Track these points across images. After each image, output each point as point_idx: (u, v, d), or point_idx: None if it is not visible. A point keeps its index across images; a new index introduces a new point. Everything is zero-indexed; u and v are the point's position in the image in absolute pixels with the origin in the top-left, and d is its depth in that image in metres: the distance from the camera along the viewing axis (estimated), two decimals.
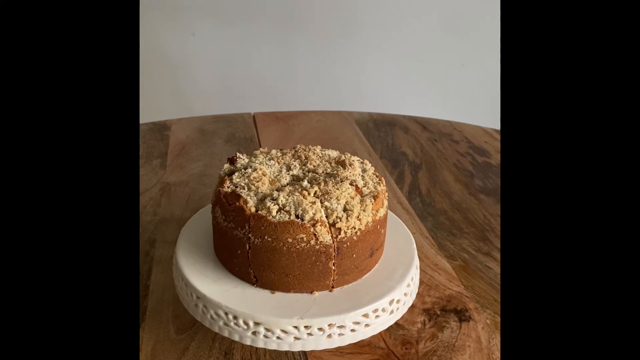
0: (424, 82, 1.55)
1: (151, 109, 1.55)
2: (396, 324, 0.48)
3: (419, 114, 1.00)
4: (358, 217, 0.41)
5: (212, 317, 0.41)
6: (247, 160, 0.48)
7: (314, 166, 0.47)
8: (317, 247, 0.40)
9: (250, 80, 1.55)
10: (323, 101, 1.53)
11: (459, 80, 1.52)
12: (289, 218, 0.40)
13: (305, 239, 0.40)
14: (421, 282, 0.54)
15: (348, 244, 0.41)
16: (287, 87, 1.57)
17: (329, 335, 0.40)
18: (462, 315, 0.50)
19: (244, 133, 0.89)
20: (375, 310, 0.41)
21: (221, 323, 0.41)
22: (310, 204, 0.41)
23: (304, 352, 0.45)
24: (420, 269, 0.56)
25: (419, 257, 0.58)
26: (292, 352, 0.45)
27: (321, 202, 0.42)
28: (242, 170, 0.46)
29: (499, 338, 0.48)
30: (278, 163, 0.47)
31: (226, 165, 0.47)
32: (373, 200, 0.43)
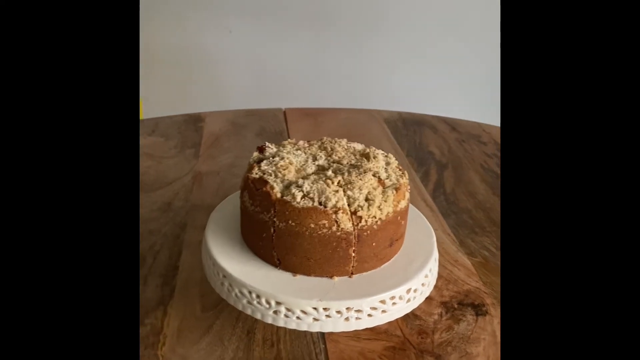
0: (456, 83, 1.55)
1: (188, 101, 1.59)
2: (413, 314, 0.50)
3: (450, 115, 1.01)
4: (379, 206, 0.43)
5: (236, 295, 0.43)
6: (275, 149, 0.50)
7: (339, 157, 0.49)
8: (338, 233, 0.42)
9: (283, 77, 1.58)
10: (353, 99, 1.55)
11: (490, 83, 1.52)
12: (313, 204, 0.42)
13: (327, 225, 0.42)
14: (440, 276, 0.55)
15: (368, 232, 0.43)
16: (318, 85, 1.59)
17: (347, 319, 0.42)
18: (479, 310, 0.51)
19: (274, 127, 0.91)
20: (392, 298, 0.43)
21: (245, 301, 0.43)
22: (334, 192, 0.43)
23: (322, 335, 0.47)
24: (440, 264, 0.57)
25: (440, 252, 0.59)
26: (311, 334, 0.47)
27: (344, 191, 0.43)
28: (270, 158, 0.48)
29: None
30: (305, 153, 0.49)
31: (255, 154, 0.50)
32: (395, 191, 0.45)
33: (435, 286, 0.53)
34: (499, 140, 0.90)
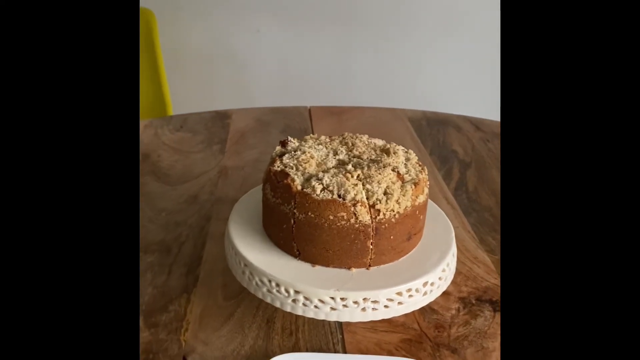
0: (483, 83, 1.54)
1: (215, 98, 1.62)
2: (431, 308, 0.50)
3: (479, 115, 1.00)
4: (397, 200, 0.44)
5: (257, 283, 0.45)
6: (297, 144, 0.51)
7: (359, 152, 0.49)
8: (357, 225, 0.43)
9: (310, 76, 1.59)
10: (379, 99, 1.55)
11: None
12: (332, 197, 0.43)
13: (345, 217, 0.43)
14: (459, 272, 0.56)
15: (386, 225, 0.44)
16: (344, 84, 1.60)
17: (363, 309, 0.43)
18: (497, 306, 0.51)
19: (298, 125, 0.93)
20: (409, 290, 0.44)
21: (265, 290, 0.44)
22: (353, 186, 0.44)
23: (340, 325, 0.48)
24: (460, 261, 0.57)
25: (460, 249, 0.59)
26: (329, 324, 0.48)
27: (363, 185, 0.44)
28: (292, 152, 0.49)
29: None
30: (326, 148, 0.50)
31: (278, 148, 0.51)
32: (413, 186, 0.45)
33: (454, 282, 0.54)
34: None
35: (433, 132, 0.91)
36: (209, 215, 0.64)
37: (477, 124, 0.95)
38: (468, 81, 1.58)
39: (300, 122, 0.94)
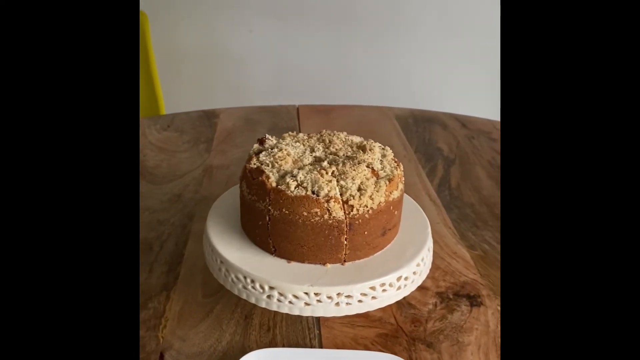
0: (473, 80, 1.55)
1: (208, 98, 1.63)
2: (408, 303, 0.51)
3: (468, 113, 1.01)
4: (371, 196, 0.44)
5: (232, 280, 0.45)
6: (275, 141, 0.52)
7: (336, 149, 0.50)
8: (330, 221, 0.43)
9: (300, 75, 1.60)
10: (369, 97, 1.55)
11: None
12: (305, 193, 0.43)
13: (319, 213, 0.43)
14: (438, 267, 0.56)
15: (360, 221, 0.44)
16: (335, 83, 1.60)
17: (337, 304, 0.43)
18: (474, 301, 0.52)
19: (286, 123, 0.93)
20: (383, 285, 0.44)
21: (240, 286, 0.45)
22: (327, 182, 0.44)
23: (318, 321, 0.49)
24: (439, 256, 0.58)
25: (440, 245, 0.60)
26: (307, 320, 0.49)
27: (337, 181, 0.45)
28: (269, 150, 0.49)
29: None
30: (303, 145, 0.51)
31: (255, 145, 0.51)
32: (388, 182, 0.46)
33: (432, 277, 0.54)
34: None
35: (419, 130, 0.92)
36: (192, 213, 0.65)
37: (463, 122, 0.96)
38: (458, 78, 1.58)
39: (288, 120, 0.95)
